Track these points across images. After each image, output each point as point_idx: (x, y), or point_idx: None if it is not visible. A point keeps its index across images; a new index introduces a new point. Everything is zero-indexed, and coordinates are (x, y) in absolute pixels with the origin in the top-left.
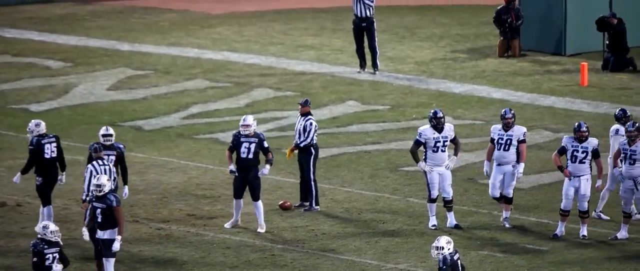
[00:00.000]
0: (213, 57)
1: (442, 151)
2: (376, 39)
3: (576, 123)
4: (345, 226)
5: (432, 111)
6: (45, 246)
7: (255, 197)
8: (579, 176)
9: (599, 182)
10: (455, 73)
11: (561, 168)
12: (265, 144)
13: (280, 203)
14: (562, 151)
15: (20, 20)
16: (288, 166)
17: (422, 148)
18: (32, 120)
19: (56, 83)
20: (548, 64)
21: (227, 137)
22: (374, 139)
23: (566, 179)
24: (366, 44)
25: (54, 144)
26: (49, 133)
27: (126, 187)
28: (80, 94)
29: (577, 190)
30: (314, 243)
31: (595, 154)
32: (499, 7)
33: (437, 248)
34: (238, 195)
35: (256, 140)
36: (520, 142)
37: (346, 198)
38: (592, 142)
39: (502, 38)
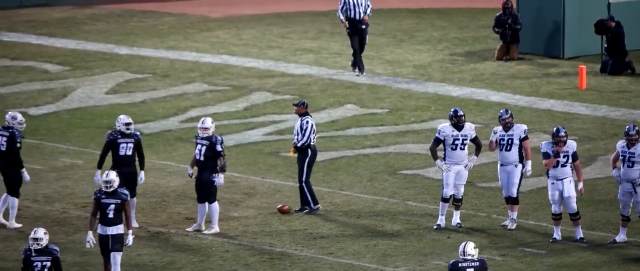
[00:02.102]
0: (211, 61)
1: (461, 149)
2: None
3: (554, 128)
4: (343, 230)
5: (453, 109)
6: (33, 254)
7: (208, 199)
8: (562, 179)
9: (580, 185)
10: (454, 77)
11: (554, 158)
12: (218, 148)
13: (278, 206)
14: (547, 157)
15: (18, 24)
16: (287, 169)
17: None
18: None
19: (54, 87)
20: (546, 67)
21: (226, 140)
22: (372, 142)
23: (549, 184)
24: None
25: (5, 138)
26: (9, 127)
27: (142, 172)
28: (79, 98)
29: (561, 193)
30: (313, 246)
31: (575, 157)
32: (497, 14)
33: (464, 253)
34: (198, 198)
35: (208, 142)
36: (522, 139)
37: (345, 201)
38: (571, 145)
39: (501, 42)
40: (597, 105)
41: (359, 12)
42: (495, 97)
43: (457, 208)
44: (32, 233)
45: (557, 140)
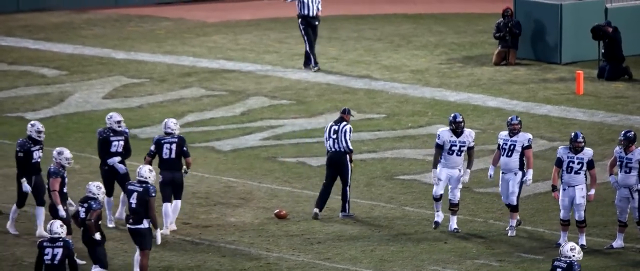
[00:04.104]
0: (209, 66)
1: (457, 155)
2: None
3: (573, 133)
4: (340, 235)
5: (453, 114)
6: (46, 242)
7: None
8: (574, 186)
9: (592, 192)
10: (451, 82)
11: (554, 188)
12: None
13: (275, 211)
14: (559, 163)
15: (15, 29)
16: (283, 174)
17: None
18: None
19: (52, 91)
20: (544, 72)
21: (223, 145)
22: (369, 148)
23: (561, 190)
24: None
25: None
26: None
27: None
28: (76, 102)
29: (572, 200)
30: (310, 252)
31: (590, 165)
32: (497, 21)
33: (572, 249)
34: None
35: (176, 140)
36: (525, 148)
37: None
38: (588, 153)
39: (500, 47)
40: (594, 110)
41: (313, 9)
42: (492, 102)
43: (453, 213)
44: (49, 225)
45: (575, 146)
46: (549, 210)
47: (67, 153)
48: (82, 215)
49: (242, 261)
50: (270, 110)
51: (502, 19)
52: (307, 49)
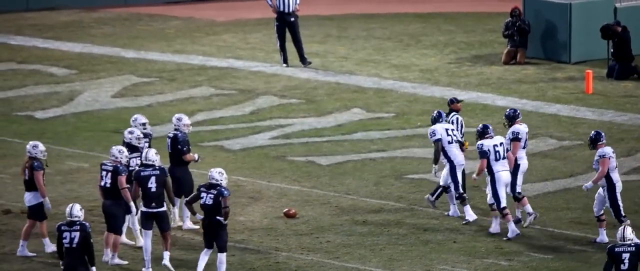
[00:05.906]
0: (218, 65)
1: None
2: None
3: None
4: (349, 234)
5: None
6: (64, 226)
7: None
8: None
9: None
10: (460, 81)
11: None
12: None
13: (284, 210)
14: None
15: (25, 27)
16: (293, 173)
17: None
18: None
19: (61, 90)
20: (553, 72)
21: (232, 144)
22: (378, 147)
23: None
24: (290, 38)
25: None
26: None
27: None
28: (85, 101)
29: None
30: (319, 251)
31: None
32: (506, 20)
33: (632, 231)
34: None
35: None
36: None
37: (351, 205)
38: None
39: (509, 46)
40: (603, 109)
41: (289, 4)
42: (501, 101)
43: (462, 204)
44: (68, 208)
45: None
46: (557, 209)
47: (126, 151)
48: (209, 201)
49: (251, 260)
50: (279, 109)
51: (510, 18)
52: (278, 46)
